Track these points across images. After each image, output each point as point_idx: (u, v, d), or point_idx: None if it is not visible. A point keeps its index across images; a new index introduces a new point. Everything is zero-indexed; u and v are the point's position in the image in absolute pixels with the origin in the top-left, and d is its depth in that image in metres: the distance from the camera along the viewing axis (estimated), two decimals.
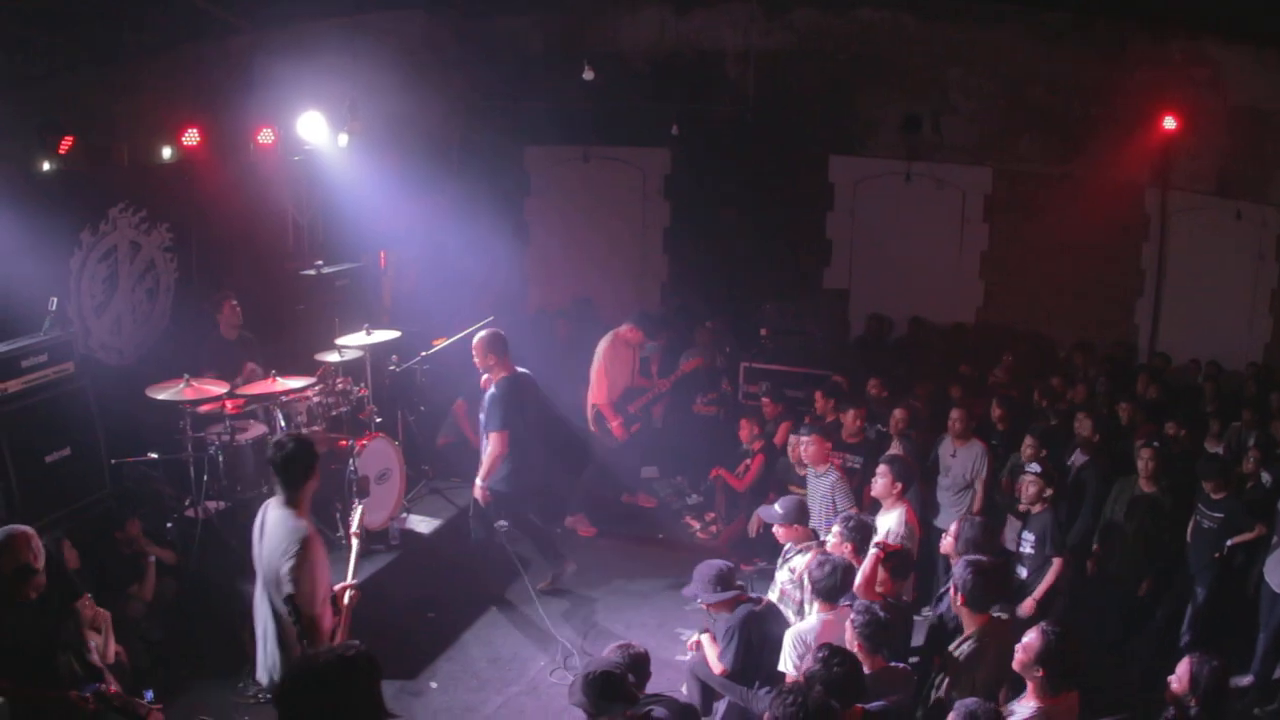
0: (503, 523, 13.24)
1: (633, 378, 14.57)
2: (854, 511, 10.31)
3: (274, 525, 7.29)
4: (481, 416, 11.62)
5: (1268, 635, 10.30)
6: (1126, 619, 11.17)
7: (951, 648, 8.05)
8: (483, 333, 11.53)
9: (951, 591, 8.11)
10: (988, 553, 8.51)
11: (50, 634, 7.17)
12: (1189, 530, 10.93)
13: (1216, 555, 10.68)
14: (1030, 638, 6.91)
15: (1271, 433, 12.26)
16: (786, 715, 5.91)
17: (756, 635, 8.39)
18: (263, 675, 7.59)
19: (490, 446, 11.34)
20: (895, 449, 11.71)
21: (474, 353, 11.47)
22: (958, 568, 8.06)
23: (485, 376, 11.59)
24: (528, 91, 17.97)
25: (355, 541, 8.11)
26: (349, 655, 4.44)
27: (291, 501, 7.31)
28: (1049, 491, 10.30)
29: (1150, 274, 16.50)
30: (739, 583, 8.92)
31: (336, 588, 7.66)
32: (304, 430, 11.27)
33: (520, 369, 11.66)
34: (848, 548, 9.02)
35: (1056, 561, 10.06)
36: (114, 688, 7.32)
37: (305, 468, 7.36)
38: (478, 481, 11.48)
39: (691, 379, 16.22)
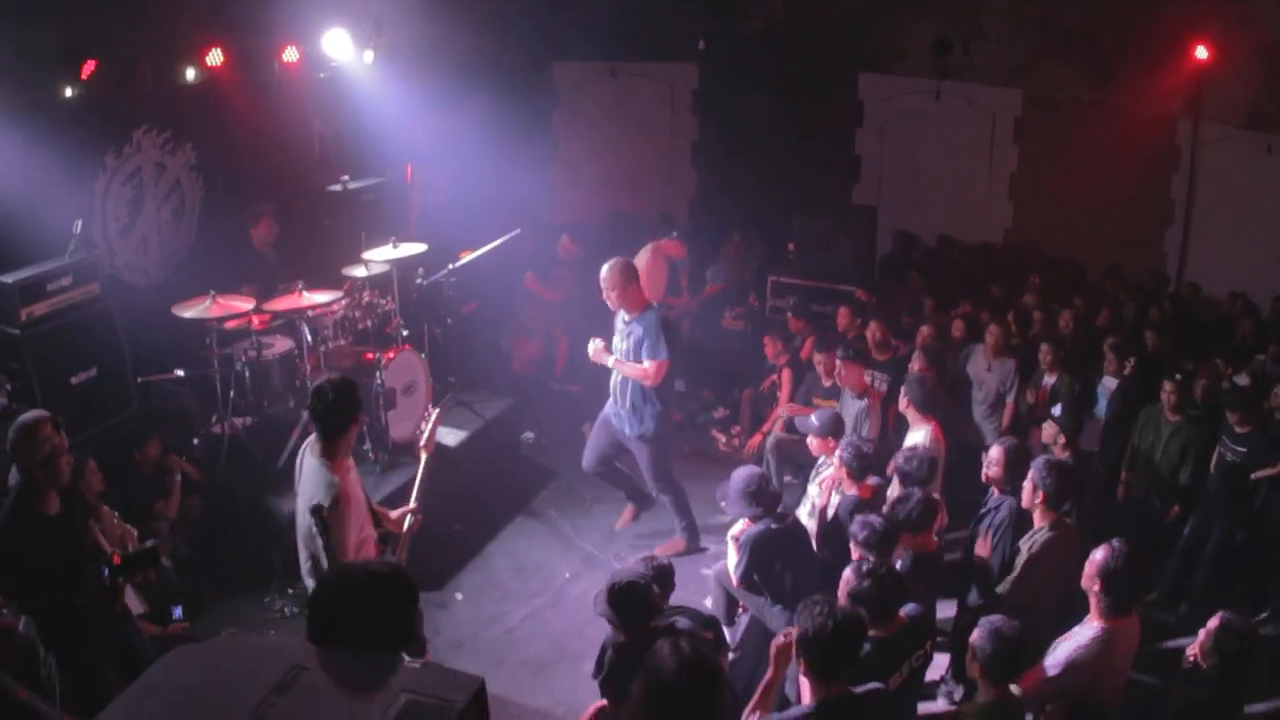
0: (529, 434, 13.33)
1: (664, 293, 14.60)
2: (870, 439, 10.48)
3: (308, 474, 7.20)
4: (611, 344, 10.82)
5: None
6: (1151, 547, 11.17)
7: (1024, 540, 8.33)
8: (613, 261, 10.61)
9: (1029, 488, 8.29)
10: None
11: (76, 549, 7.20)
12: (1212, 463, 10.89)
13: (1239, 489, 10.66)
14: (1097, 552, 7.01)
15: None
16: (816, 626, 5.82)
17: (768, 553, 8.39)
18: None
19: (644, 367, 10.51)
20: (918, 362, 11.69)
21: (605, 285, 10.50)
22: (1037, 466, 8.31)
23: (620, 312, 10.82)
24: (555, 5, 17.84)
25: (424, 455, 8.07)
26: (383, 572, 4.45)
27: (326, 452, 7.15)
28: (1062, 439, 10.34)
29: (1180, 204, 16.26)
30: (773, 489, 8.92)
31: (394, 514, 7.74)
32: (330, 345, 11.36)
33: None
34: (843, 472, 9.16)
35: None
36: (118, 558, 7.33)
37: (345, 418, 7.21)
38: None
39: (719, 293, 16.24)
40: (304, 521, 7.08)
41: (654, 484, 11.31)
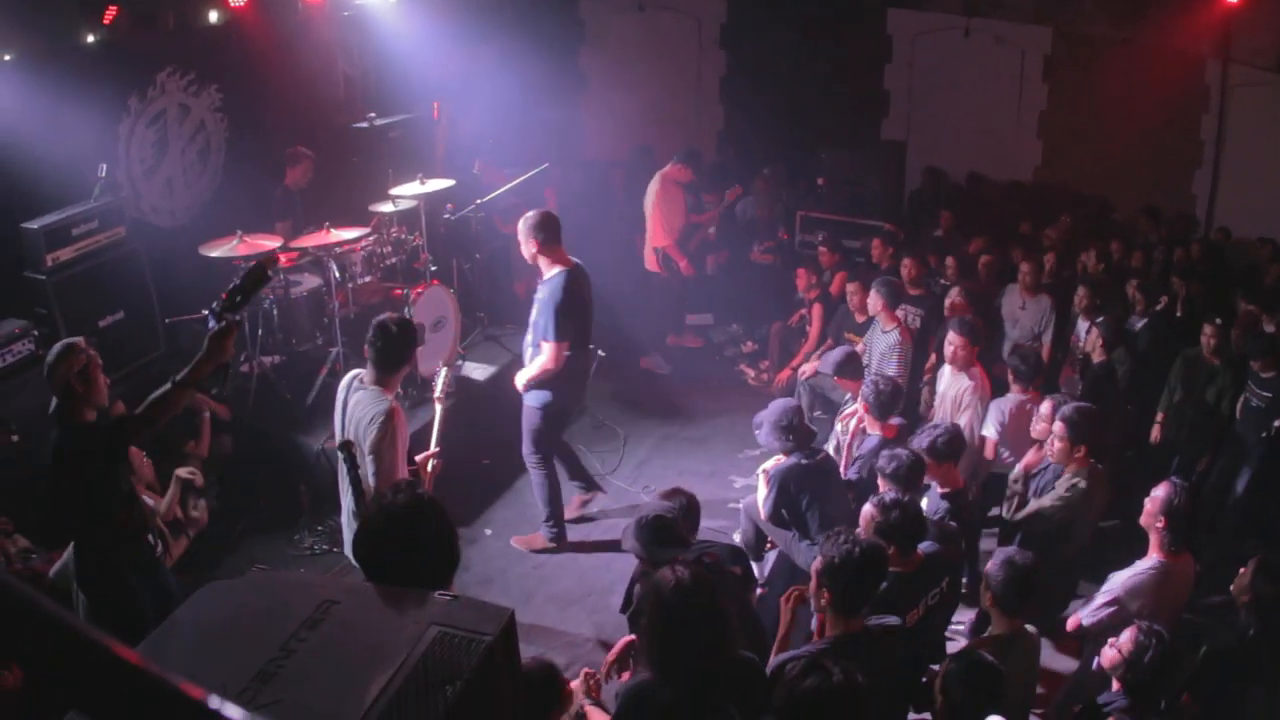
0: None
1: (686, 215, 14.71)
2: (897, 378, 10.33)
3: (360, 401, 7.41)
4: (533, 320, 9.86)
5: None
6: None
7: (1064, 490, 8.34)
8: (529, 213, 9.73)
9: (1063, 446, 8.33)
10: None
11: (120, 470, 7.21)
12: (1239, 408, 10.86)
13: (1265, 434, 10.63)
14: (1159, 489, 7.15)
15: None
16: (841, 554, 5.85)
17: (796, 488, 8.36)
18: (349, 551, 7.47)
19: (543, 357, 9.60)
20: (955, 298, 11.63)
21: (520, 239, 9.69)
22: (1066, 415, 8.38)
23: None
24: None
25: (439, 407, 8.20)
26: (418, 496, 4.52)
27: (380, 381, 7.43)
28: (1099, 342, 10.34)
29: (1209, 145, 16.07)
30: (807, 424, 8.92)
31: (419, 457, 7.82)
32: (358, 281, 11.35)
33: (574, 259, 9.88)
34: (862, 407, 9.22)
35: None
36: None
37: (403, 354, 7.55)
38: (523, 389, 9.98)
39: (748, 227, 16.19)
40: (364, 435, 7.28)
41: (525, 452, 10.28)
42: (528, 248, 9.65)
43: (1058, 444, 8.36)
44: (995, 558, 6.63)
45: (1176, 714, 6.80)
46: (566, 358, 9.63)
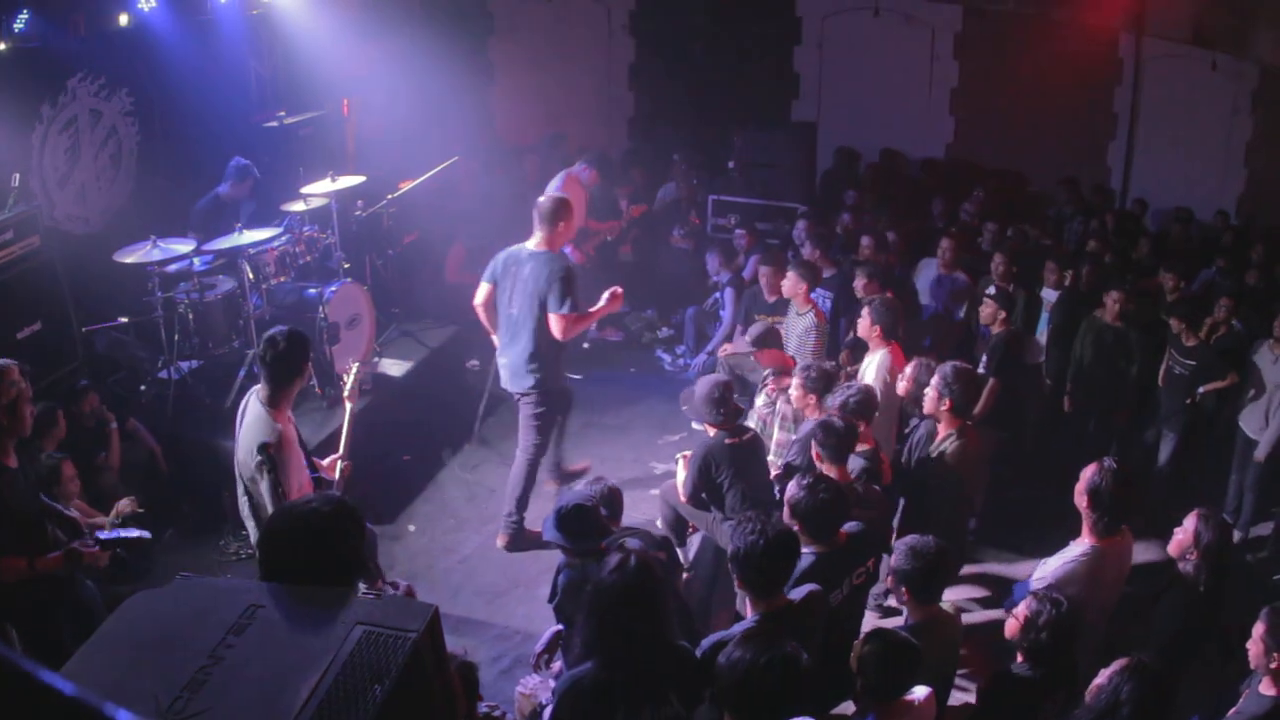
0: (474, 362, 13.26)
1: (584, 218, 14.52)
2: (818, 359, 10.33)
3: (251, 421, 7.26)
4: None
5: (1250, 492, 10.58)
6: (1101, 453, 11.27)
7: (933, 447, 8.41)
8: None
9: (933, 395, 8.37)
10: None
11: (33, 507, 7.18)
12: (1161, 375, 11.07)
13: (1189, 401, 10.85)
14: (1086, 470, 7.07)
15: (1245, 282, 12.33)
16: (748, 545, 5.86)
17: (717, 467, 8.36)
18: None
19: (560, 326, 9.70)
20: (860, 280, 11.63)
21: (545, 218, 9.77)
22: (943, 371, 8.39)
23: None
24: None
25: (349, 405, 8.02)
26: (328, 509, 4.52)
27: (272, 400, 7.24)
28: (1002, 314, 10.45)
29: (1123, 117, 16.36)
30: (738, 403, 9.01)
31: (326, 461, 7.79)
32: (272, 282, 11.32)
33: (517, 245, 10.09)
34: (811, 399, 9.05)
35: (990, 381, 10.21)
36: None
37: (294, 368, 7.33)
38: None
39: (663, 212, 16.24)
40: (248, 461, 7.19)
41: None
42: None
43: (930, 393, 8.43)
44: (898, 549, 6.58)
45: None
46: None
